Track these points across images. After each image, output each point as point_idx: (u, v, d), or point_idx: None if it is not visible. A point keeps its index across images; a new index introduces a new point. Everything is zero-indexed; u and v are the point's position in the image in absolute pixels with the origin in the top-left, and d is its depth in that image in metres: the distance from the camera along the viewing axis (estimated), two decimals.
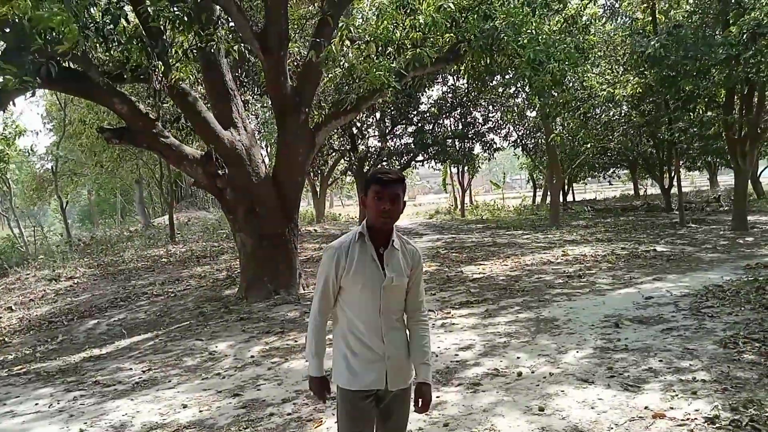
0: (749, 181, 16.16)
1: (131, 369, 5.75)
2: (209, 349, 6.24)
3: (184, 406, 4.57)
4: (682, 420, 3.58)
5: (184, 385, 5.08)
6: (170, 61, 7.58)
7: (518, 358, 5.20)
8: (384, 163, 22.08)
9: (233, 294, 9.18)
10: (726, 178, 38.36)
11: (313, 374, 2.34)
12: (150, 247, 16.80)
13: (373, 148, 22.33)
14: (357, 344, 2.28)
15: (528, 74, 8.57)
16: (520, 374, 4.76)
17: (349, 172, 26.04)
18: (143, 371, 5.63)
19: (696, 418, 3.59)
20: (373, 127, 22.71)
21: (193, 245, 16.51)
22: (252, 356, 5.91)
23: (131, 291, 10.47)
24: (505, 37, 8.69)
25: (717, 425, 3.47)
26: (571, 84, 13.44)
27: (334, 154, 23.49)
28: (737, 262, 9.45)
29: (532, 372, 4.78)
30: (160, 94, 8.49)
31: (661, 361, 4.78)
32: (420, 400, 2.39)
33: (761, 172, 28.34)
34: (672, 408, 3.79)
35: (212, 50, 8.08)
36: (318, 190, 27.10)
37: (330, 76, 9.76)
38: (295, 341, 6.36)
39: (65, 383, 5.60)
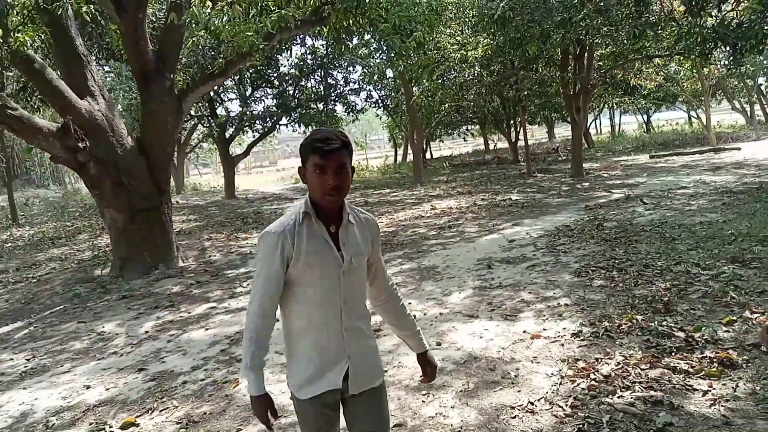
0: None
1: (12, 360, 5.36)
2: (96, 330, 5.98)
3: (87, 387, 4.44)
4: (555, 338, 4.28)
5: (81, 368, 4.90)
6: (10, 24, 6.86)
7: (410, 303, 5.68)
8: (246, 127, 21.53)
9: (106, 273, 8.70)
10: (560, 131, 42.59)
11: (253, 393, 1.86)
12: None
13: (234, 113, 21.65)
14: (313, 345, 1.90)
15: (396, 42, 8.90)
16: (414, 317, 5.23)
17: (210, 139, 25.04)
18: (27, 359, 5.29)
19: (565, 335, 4.30)
20: (232, 91, 21.97)
21: (41, 227, 15.12)
22: (146, 332, 5.80)
23: None
24: (368, 0, 8.95)
25: (581, 338, 4.20)
26: (428, 46, 14.07)
27: (190, 120, 22.43)
28: (578, 204, 10.84)
29: (424, 314, 5.29)
30: (1, 61, 7.61)
31: (530, 293, 5.53)
32: (427, 368, 2.21)
33: (590, 125, 31.73)
34: (545, 329, 4.48)
35: (59, 12, 7.41)
36: (175, 159, 25.70)
37: (194, 39, 9.36)
38: (189, 313, 6.31)
39: None
